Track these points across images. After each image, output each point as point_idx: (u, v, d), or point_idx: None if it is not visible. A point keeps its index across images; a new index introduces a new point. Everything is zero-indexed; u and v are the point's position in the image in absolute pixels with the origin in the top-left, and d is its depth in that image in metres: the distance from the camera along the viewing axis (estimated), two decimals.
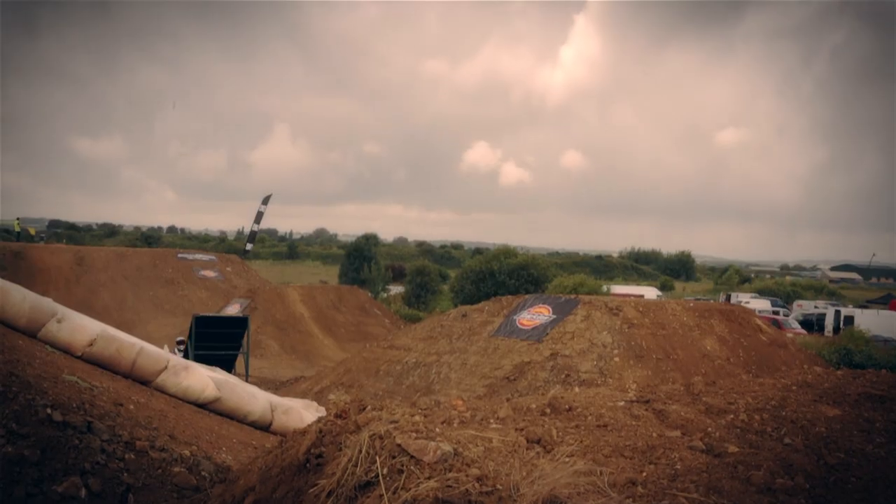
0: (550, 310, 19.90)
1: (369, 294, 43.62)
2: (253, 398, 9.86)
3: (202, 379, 9.38)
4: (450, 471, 3.48)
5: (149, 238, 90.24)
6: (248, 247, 56.06)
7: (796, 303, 51.81)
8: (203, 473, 6.43)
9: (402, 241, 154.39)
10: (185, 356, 18.18)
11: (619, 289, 48.14)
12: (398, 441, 3.69)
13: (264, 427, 9.70)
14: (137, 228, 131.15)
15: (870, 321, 34.86)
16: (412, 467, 3.52)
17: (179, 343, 20.04)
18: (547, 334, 18.79)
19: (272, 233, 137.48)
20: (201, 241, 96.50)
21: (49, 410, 5.91)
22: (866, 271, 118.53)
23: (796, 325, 37.52)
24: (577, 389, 7.36)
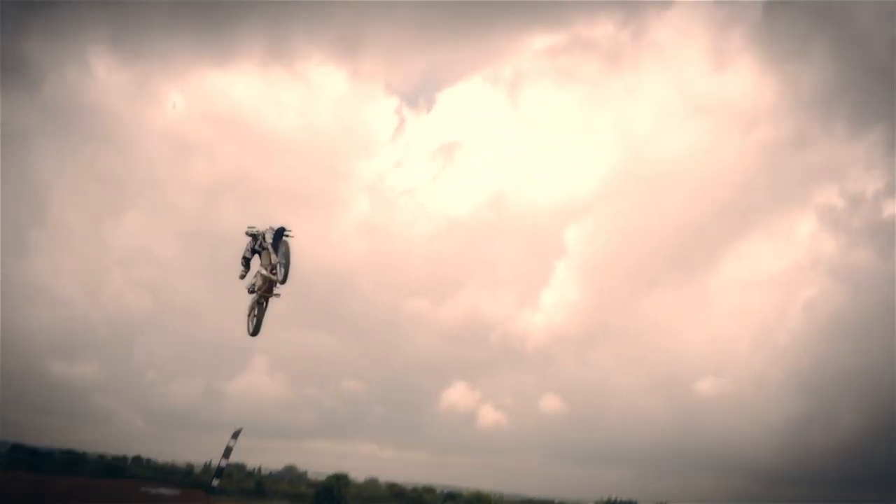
0: None
1: None
2: None
3: None
4: None
5: (112, 468, 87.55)
6: (215, 482, 54.32)
7: None
8: None
9: (373, 482, 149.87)
10: None
11: None
12: None
13: None
14: (102, 457, 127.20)
15: None
16: None
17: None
18: None
19: (240, 468, 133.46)
20: (167, 474, 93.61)
21: None
22: None
23: None
24: None
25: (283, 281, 14.48)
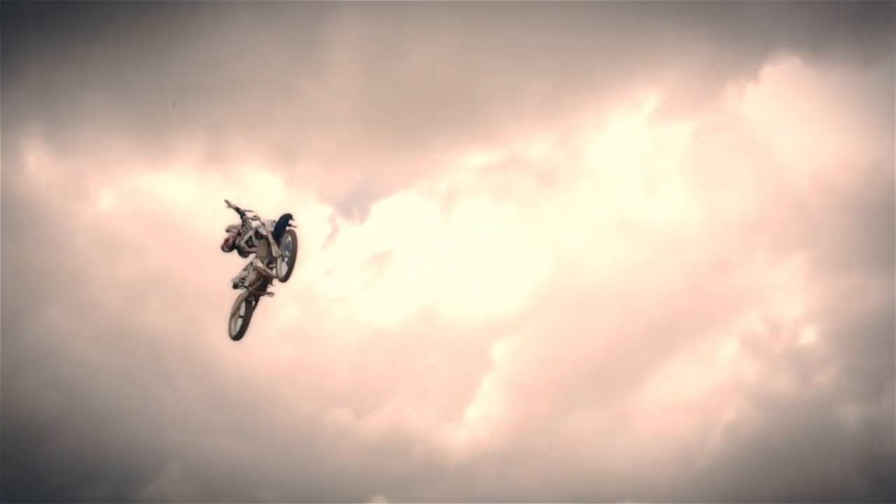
0: None
1: None
2: None
3: None
4: None
5: None
6: None
7: None
8: None
9: None
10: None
11: None
12: None
13: None
14: None
15: None
16: None
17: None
18: None
19: None
20: None
21: None
22: None
23: None
24: None
25: (286, 278, 12.27)
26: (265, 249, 12.42)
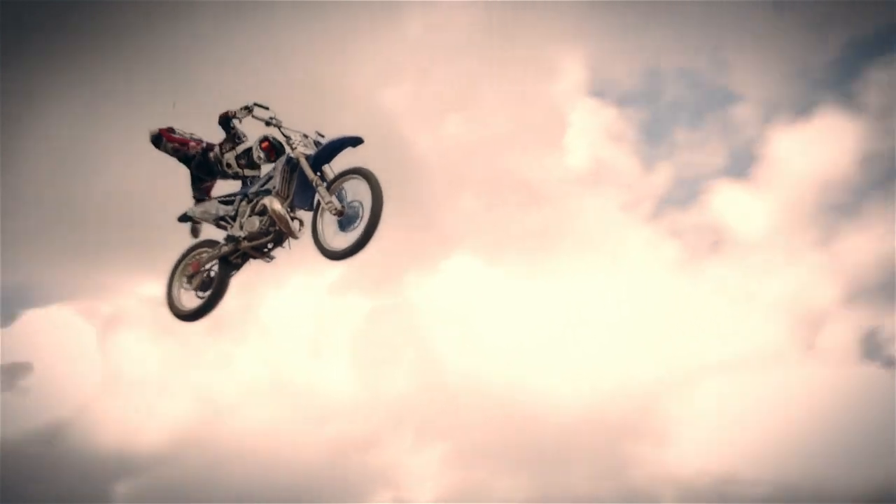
0: None
1: None
2: None
3: None
4: None
5: None
6: None
7: None
8: None
9: None
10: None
11: None
12: None
13: None
14: None
15: None
16: None
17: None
18: None
19: None
20: None
21: None
22: None
23: None
24: None
25: (347, 255, 6.43)
26: (286, 183, 6.65)
